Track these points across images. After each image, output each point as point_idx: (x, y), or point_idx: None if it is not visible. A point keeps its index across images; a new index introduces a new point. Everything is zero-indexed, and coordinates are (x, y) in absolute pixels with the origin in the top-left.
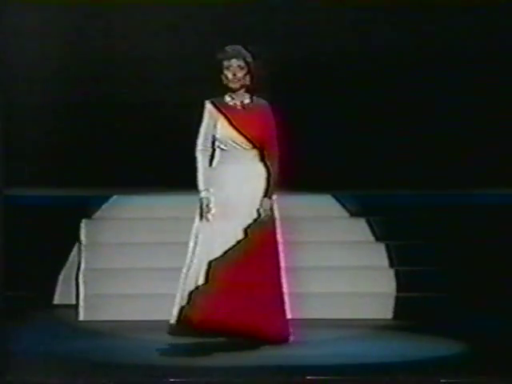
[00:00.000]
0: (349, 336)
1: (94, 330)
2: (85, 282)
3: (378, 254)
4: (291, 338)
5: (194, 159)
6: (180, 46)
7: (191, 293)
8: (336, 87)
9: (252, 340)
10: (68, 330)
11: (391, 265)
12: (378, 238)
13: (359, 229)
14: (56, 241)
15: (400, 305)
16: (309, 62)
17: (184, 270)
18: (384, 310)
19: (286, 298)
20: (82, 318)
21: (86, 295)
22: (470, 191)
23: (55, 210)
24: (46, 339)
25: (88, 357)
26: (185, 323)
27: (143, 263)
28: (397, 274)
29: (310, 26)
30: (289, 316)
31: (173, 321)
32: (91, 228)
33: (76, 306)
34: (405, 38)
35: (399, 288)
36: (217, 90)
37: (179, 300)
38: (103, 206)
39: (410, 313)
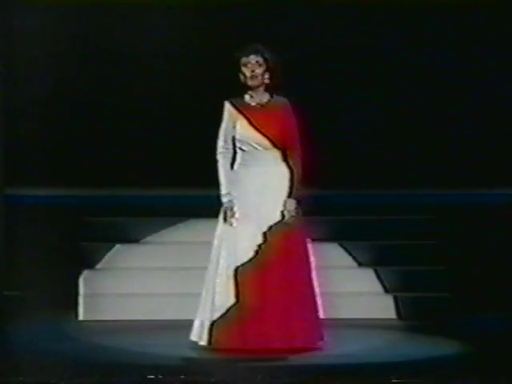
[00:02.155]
0: (350, 336)
1: (94, 330)
2: (84, 282)
3: (378, 254)
4: (323, 341)
5: (201, 161)
6: (193, 46)
7: (228, 310)
8: (350, 84)
9: (286, 350)
10: (68, 329)
11: (391, 265)
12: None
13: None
14: (56, 240)
15: (402, 305)
16: (327, 59)
17: (209, 277)
18: (386, 310)
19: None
20: (81, 317)
21: (85, 295)
22: (470, 191)
23: (55, 210)
24: (45, 339)
25: (88, 357)
26: (217, 346)
27: (144, 263)
28: (397, 275)
29: (322, 25)
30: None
31: (203, 342)
32: (92, 228)
33: (75, 306)
34: (408, 38)
35: (400, 288)
36: (236, 89)
37: (209, 313)
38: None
39: (412, 313)
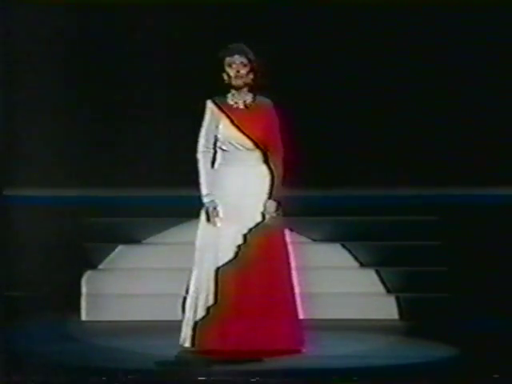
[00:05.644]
0: (352, 337)
1: (97, 330)
2: (87, 282)
3: (380, 255)
4: (305, 348)
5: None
6: (180, 45)
7: (208, 309)
8: (339, 86)
9: (265, 354)
10: (71, 330)
11: (393, 266)
12: (378, 238)
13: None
14: (59, 241)
15: (404, 305)
16: (310, 61)
17: (193, 279)
18: (388, 311)
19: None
20: (84, 318)
21: (88, 295)
22: (472, 192)
23: (55, 210)
24: (48, 340)
25: (90, 357)
26: (199, 348)
27: (146, 263)
28: (399, 276)
29: (312, 26)
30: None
31: (187, 344)
32: (95, 228)
33: (78, 306)
34: (405, 37)
35: (402, 289)
36: (218, 89)
37: (192, 314)
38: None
39: (414, 313)
